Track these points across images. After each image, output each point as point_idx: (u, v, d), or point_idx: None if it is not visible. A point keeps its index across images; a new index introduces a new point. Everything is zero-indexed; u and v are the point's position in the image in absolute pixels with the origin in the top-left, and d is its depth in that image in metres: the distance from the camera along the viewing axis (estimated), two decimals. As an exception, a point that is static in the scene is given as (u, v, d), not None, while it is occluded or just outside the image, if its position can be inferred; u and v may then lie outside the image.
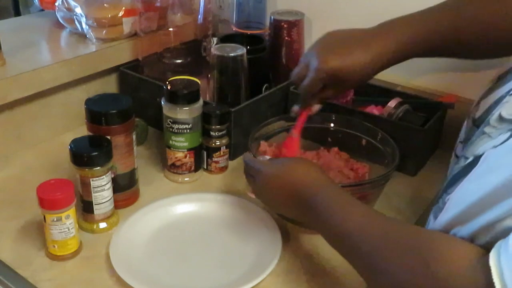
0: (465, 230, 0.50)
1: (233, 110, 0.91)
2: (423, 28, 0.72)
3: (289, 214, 0.73)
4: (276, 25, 1.07)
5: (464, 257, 0.47)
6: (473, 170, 0.53)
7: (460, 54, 0.76)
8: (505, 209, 0.46)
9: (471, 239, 0.49)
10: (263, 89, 1.03)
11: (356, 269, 0.58)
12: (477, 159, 0.54)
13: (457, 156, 0.61)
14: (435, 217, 0.56)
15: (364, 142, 0.86)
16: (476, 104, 0.61)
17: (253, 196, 0.75)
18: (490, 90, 0.60)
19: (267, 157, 0.78)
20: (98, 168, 0.72)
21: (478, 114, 0.59)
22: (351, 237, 0.57)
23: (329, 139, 0.90)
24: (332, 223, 0.60)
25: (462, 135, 0.67)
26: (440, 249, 0.48)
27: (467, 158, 0.56)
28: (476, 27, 0.69)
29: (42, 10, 1.18)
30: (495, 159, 0.51)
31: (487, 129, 0.56)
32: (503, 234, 0.45)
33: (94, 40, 1.03)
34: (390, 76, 1.02)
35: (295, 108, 0.82)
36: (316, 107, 0.81)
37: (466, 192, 0.52)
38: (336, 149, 0.88)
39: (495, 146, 0.52)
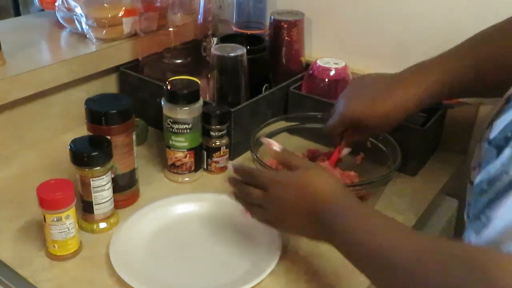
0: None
1: (233, 110, 0.91)
2: (444, 74, 0.72)
3: (305, 232, 0.66)
4: (276, 25, 1.07)
5: None
6: None
7: (487, 94, 0.77)
8: None
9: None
10: (263, 89, 1.03)
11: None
12: None
13: (472, 183, 0.59)
14: (477, 233, 0.53)
15: (369, 144, 0.86)
16: (488, 126, 0.60)
17: (248, 216, 0.69)
18: (502, 111, 0.58)
19: (276, 145, 0.73)
20: (98, 168, 0.72)
21: (493, 134, 0.57)
22: (383, 255, 0.53)
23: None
24: (360, 243, 0.56)
25: (476, 160, 0.64)
26: (495, 262, 0.46)
27: (508, 173, 0.54)
28: (496, 65, 0.70)
29: (42, 10, 1.18)
30: None
31: None
32: None
33: (94, 40, 1.03)
34: (390, 76, 1.03)
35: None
36: (346, 151, 0.82)
37: None
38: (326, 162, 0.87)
39: None
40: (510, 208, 0.51)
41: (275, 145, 0.73)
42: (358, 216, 0.59)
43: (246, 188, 0.67)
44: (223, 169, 0.92)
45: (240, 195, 0.69)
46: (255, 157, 0.78)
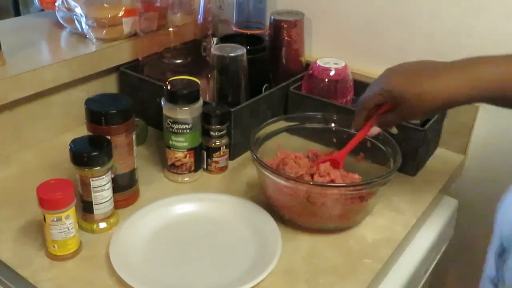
0: None
1: (233, 110, 0.91)
2: (504, 73, 0.65)
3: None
4: (276, 25, 1.07)
5: None
6: None
7: None
8: None
9: None
10: (263, 89, 1.04)
11: None
12: None
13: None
14: None
15: (369, 144, 0.86)
16: None
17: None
18: None
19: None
20: (98, 168, 0.72)
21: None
22: None
23: (334, 140, 0.90)
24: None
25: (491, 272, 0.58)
26: None
27: None
28: None
29: (42, 10, 1.18)
30: None
31: None
32: None
33: (94, 40, 1.03)
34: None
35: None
36: (375, 130, 0.78)
37: None
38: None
39: None
40: None
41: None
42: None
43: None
44: (223, 169, 0.92)
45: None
46: (255, 157, 0.78)
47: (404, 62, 0.75)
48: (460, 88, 0.66)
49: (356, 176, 0.83)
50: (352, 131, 0.82)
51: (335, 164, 0.82)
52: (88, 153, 0.71)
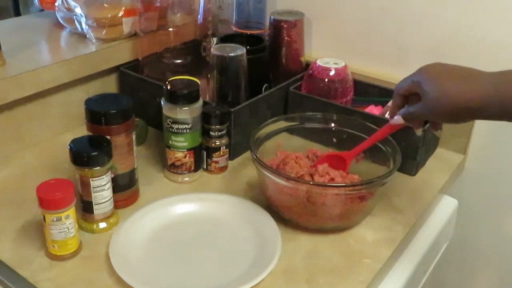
0: None
1: (233, 110, 0.91)
2: None
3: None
4: (276, 25, 1.07)
5: None
6: None
7: None
8: None
9: None
10: (263, 89, 1.03)
11: None
12: None
13: None
14: None
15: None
16: None
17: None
18: None
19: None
20: (98, 168, 0.72)
21: None
22: None
23: (334, 140, 0.90)
24: None
25: None
26: None
27: None
28: None
29: (42, 10, 1.18)
30: None
31: None
32: None
33: (94, 40, 1.03)
34: (390, 76, 1.03)
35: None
36: (400, 120, 0.76)
37: None
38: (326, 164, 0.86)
39: None
40: None
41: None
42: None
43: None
44: (223, 169, 0.92)
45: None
46: (255, 157, 0.78)
47: (440, 62, 0.72)
48: (484, 98, 0.64)
49: (356, 176, 0.83)
50: (351, 131, 0.83)
51: (340, 162, 0.82)
52: (88, 153, 0.71)
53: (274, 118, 0.89)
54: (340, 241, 0.77)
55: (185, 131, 0.85)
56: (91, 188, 0.73)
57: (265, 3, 1.14)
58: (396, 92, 0.75)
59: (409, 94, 0.73)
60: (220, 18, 1.21)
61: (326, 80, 0.99)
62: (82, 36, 1.05)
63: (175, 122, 0.84)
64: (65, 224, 0.69)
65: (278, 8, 1.13)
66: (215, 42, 1.06)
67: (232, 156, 0.95)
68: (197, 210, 0.81)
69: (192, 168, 0.89)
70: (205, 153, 0.90)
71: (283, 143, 0.89)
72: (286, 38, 1.07)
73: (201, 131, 0.88)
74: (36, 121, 0.98)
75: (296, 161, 0.84)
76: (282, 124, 0.90)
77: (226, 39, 1.05)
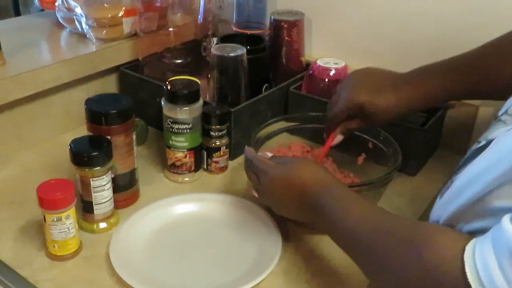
0: (449, 210, 0.51)
1: (233, 110, 0.91)
2: (446, 77, 0.74)
3: (294, 216, 0.71)
4: (276, 25, 1.07)
5: (452, 246, 0.47)
6: (482, 153, 0.53)
7: (493, 97, 0.78)
8: (483, 185, 0.47)
9: (452, 221, 0.51)
10: (263, 89, 1.03)
11: (360, 267, 0.58)
12: (488, 143, 0.54)
13: None
14: (441, 195, 0.57)
15: (370, 144, 0.86)
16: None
17: (255, 194, 0.74)
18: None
19: (269, 154, 0.77)
20: (98, 168, 0.72)
21: (501, 112, 0.60)
22: (351, 233, 0.58)
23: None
24: (336, 222, 0.60)
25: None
26: (432, 239, 0.49)
27: (479, 142, 0.57)
28: (503, 71, 0.71)
29: (42, 10, 1.18)
30: (503, 142, 0.51)
31: (503, 117, 0.57)
32: (491, 213, 0.46)
33: (94, 40, 1.03)
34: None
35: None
36: (339, 138, 0.82)
37: (466, 172, 0.53)
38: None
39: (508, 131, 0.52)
40: (466, 173, 0.53)
41: (267, 154, 0.78)
42: (335, 197, 0.62)
43: (248, 171, 0.74)
44: (223, 169, 0.92)
45: (247, 175, 0.75)
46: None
47: (360, 72, 0.81)
48: (415, 99, 0.75)
49: (351, 175, 0.83)
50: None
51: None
52: (88, 153, 0.71)
53: (274, 119, 0.89)
54: (340, 241, 0.77)
55: (185, 131, 0.85)
56: (91, 188, 0.73)
57: (265, 3, 1.14)
58: (336, 120, 0.80)
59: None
60: (220, 18, 1.21)
61: (326, 80, 0.99)
62: (82, 36, 1.05)
63: (175, 122, 0.84)
64: (65, 224, 0.69)
65: (278, 8, 1.13)
66: (215, 42, 1.06)
67: (232, 156, 0.95)
68: (197, 210, 0.81)
69: (192, 168, 0.89)
70: (205, 153, 0.90)
71: (283, 143, 0.89)
72: (286, 38, 1.07)
73: (201, 131, 0.88)
74: (37, 121, 0.98)
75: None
76: (282, 124, 0.90)
77: (226, 39, 1.05)
